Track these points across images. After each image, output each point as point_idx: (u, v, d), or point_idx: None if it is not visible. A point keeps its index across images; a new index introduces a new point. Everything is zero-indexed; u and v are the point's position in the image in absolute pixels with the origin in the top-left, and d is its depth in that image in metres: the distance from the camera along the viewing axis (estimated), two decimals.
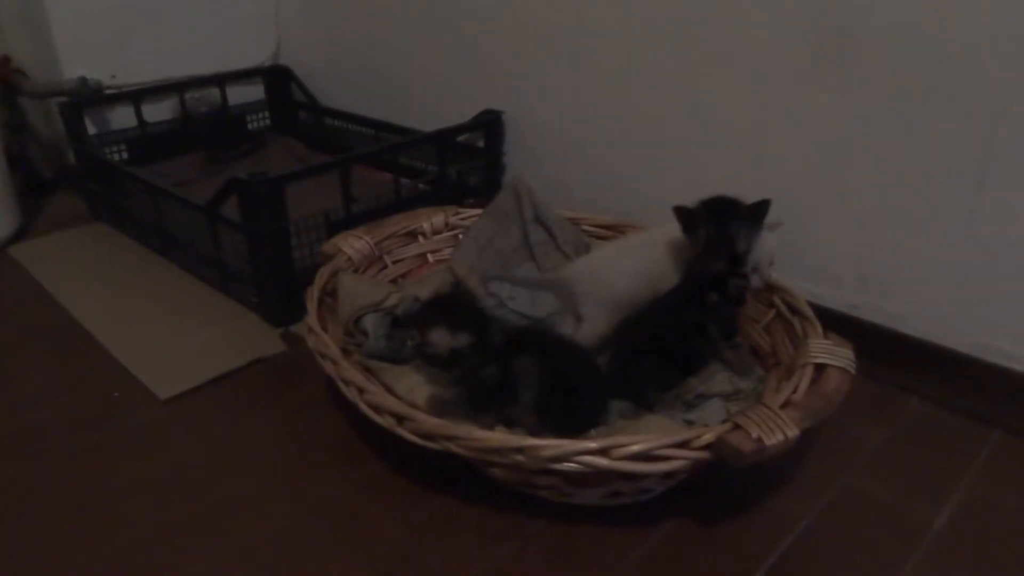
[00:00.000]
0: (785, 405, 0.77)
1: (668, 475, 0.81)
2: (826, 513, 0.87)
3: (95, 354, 1.17)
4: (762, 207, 0.94)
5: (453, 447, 0.77)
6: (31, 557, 0.82)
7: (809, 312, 0.94)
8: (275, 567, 0.80)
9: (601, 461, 0.72)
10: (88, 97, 1.62)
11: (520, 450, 0.74)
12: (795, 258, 1.07)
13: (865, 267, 1.09)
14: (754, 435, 0.71)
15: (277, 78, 1.92)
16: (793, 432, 0.73)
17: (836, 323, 0.96)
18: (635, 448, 0.72)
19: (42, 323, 1.26)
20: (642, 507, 0.86)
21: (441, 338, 0.87)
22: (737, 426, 0.73)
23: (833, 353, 0.84)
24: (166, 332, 1.22)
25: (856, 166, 1.06)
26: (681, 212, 0.96)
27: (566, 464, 0.73)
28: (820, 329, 0.91)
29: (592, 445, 0.73)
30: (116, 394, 1.07)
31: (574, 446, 0.73)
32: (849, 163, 1.06)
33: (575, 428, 0.86)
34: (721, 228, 0.93)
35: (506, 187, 1.26)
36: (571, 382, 0.90)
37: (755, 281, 0.99)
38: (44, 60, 1.65)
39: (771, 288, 1.02)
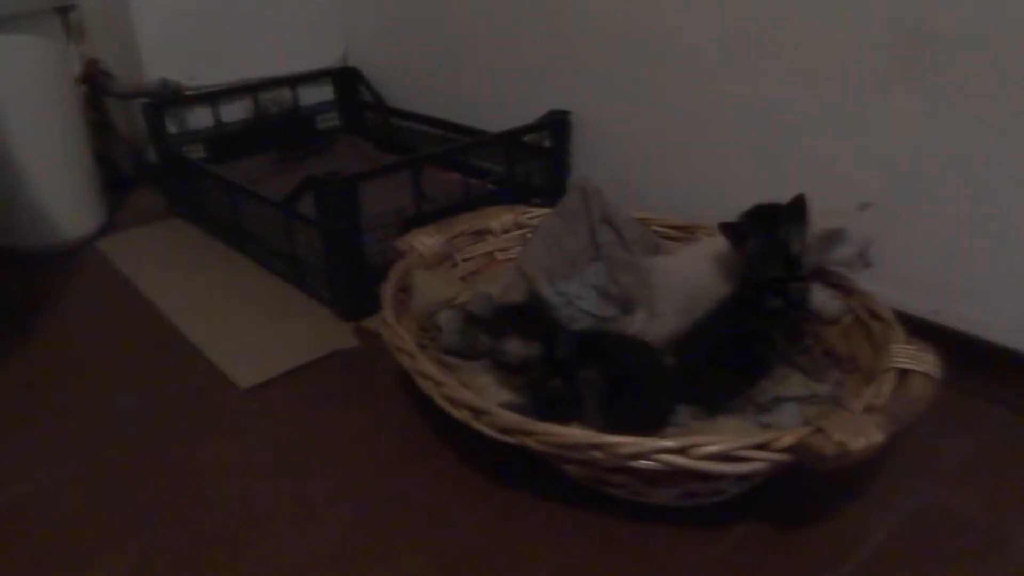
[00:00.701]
0: (868, 410, 0.75)
1: (743, 477, 0.81)
2: (904, 524, 0.85)
3: (178, 343, 1.21)
4: (799, 202, 0.92)
5: (530, 442, 0.78)
6: (120, 537, 0.86)
7: (890, 316, 0.93)
8: (350, 555, 0.82)
9: (679, 460, 0.72)
10: (169, 98, 1.68)
11: (598, 447, 0.75)
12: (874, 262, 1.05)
13: (947, 272, 1.06)
14: (837, 439, 0.70)
15: (346, 79, 1.97)
16: (878, 437, 0.71)
17: (915, 328, 0.94)
18: (714, 448, 0.72)
19: (128, 313, 1.31)
20: (714, 509, 0.85)
21: (514, 348, 0.89)
22: (819, 429, 0.72)
23: (916, 358, 0.82)
24: (243, 323, 1.26)
25: (938, 170, 1.03)
26: (727, 228, 0.95)
27: (643, 462, 0.73)
28: (902, 334, 0.89)
29: (670, 444, 0.73)
30: (200, 382, 1.11)
31: (653, 444, 0.73)
32: (930, 166, 1.04)
33: (639, 429, 0.86)
34: (771, 235, 0.92)
35: (574, 187, 1.26)
36: (636, 385, 0.90)
37: (860, 265, 0.99)
38: (129, 63, 1.73)
39: (849, 292, 1.01)
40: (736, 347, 0.93)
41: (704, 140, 1.30)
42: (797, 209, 0.93)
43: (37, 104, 1.46)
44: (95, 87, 1.77)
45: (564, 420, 0.89)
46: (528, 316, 0.92)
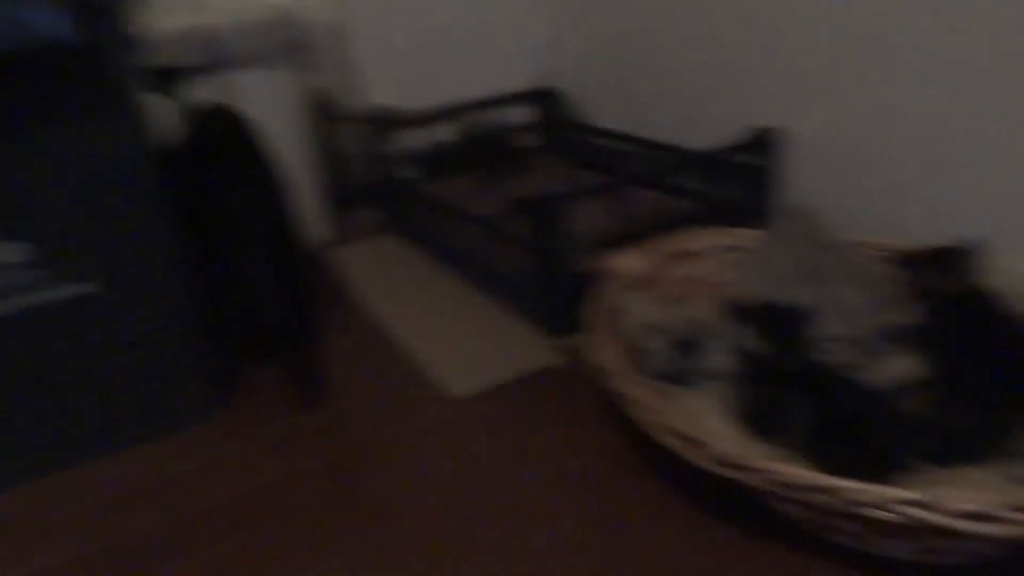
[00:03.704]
0: None
1: (999, 540, 0.72)
2: None
3: (394, 351, 1.30)
4: None
5: (747, 477, 0.75)
6: (338, 533, 0.92)
7: None
8: (548, 574, 0.83)
9: (925, 515, 0.66)
10: (388, 121, 1.82)
11: (826, 490, 0.70)
12: None
13: None
14: None
15: (548, 100, 2.02)
16: None
17: None
18: (969, 506, 0.65)
19: (350, 321, 1.42)
20: (961, 570, 0.77)
21: (745, 337, 0.86)
22: None
23: None
24: (453, 336, 1.32)
25: None
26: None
27: (880, 512, 0.68)
28: None
29: (915, 496, 0.66)
30: (414, 389, 1.18)
31: (893, 493, 0.67)
32: None
33: (858, 476, 0.79)
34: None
35: (787, 209, 1.21)
36: (855, 429, 0.84)
37: None
38: (354, 90, 1.88)
39: None
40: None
41: (936, 159, 1.19)
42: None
43: (281, 129, 1.62)
44: (324, 113, 1.94)
45: (765, 432, 0.87)
46: (774, 317, 0.88)
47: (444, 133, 1.93)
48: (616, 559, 0.84)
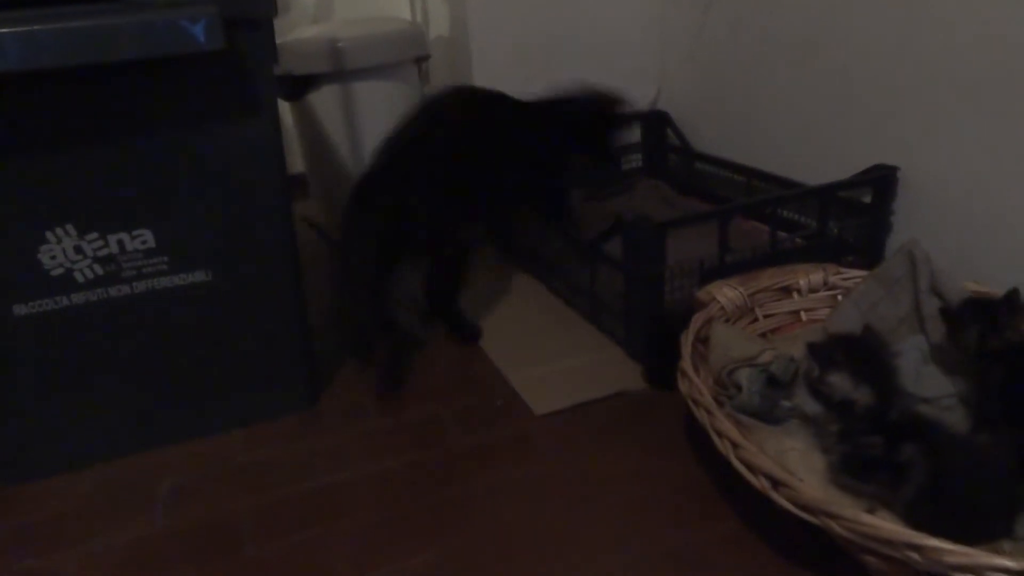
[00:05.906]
0: None
1: None
2: None
3: (482, 362, 1.33)
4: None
5: (834, 526, 0.73)
6: (415, 532, 0.95)
7: None
8: None
9: None
10: None
11: (916, 547, 0.68)
12: None
13: None
14: None
15: (654, 122, 2.01)
16: None
17: None
18: None
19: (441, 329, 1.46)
20: None
21: (840, 382, 0.83)
22: None
23: None
24: (541, 351, 1.34)
25: None
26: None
27: None
28: None
29: (1011, 564, 0.63)
30: (500, 402, 1.21)
31: (987, 559, 0.64)
32: None
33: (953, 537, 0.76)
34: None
35: (900, 251, 1.16)
36: (959, 493, 0.80)
37: None
38: None
39: None
40: None
41: None
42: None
43: None
44: None
45: (875, 488, 0.83)
46: (866, 356, 0.85)
47: None
48: None
